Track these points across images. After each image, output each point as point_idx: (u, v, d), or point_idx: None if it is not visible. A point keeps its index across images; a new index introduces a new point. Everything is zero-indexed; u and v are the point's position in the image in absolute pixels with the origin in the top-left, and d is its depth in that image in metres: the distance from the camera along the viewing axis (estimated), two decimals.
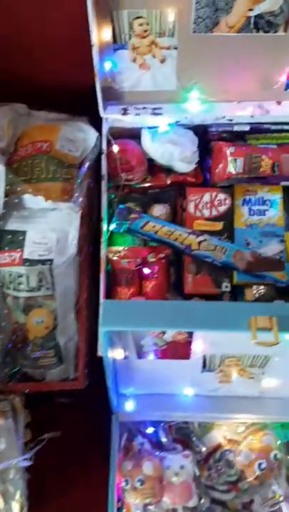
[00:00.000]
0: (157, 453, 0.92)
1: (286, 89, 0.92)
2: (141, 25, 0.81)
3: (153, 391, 0.91)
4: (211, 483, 0.92)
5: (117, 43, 0.84)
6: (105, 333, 0.67)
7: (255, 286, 0.92)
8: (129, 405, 0.92)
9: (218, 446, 0.93)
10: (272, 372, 0.84)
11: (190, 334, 0.74)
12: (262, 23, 0.81)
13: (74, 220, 0.89)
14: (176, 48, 0.85)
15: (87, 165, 0.91)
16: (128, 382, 0.89)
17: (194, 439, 0.94)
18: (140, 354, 0.80)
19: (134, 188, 1.00)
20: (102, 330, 0.67)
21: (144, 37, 0.83)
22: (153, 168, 1.00)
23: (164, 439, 0.93)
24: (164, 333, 0.74)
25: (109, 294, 0.90)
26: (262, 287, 0.92)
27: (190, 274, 0.93)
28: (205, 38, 0.83)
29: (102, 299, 0.85)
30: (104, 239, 0.90)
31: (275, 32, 0.82)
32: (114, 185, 0.99)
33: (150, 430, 0.94)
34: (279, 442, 0.91)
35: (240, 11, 0.79)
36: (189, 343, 0.76)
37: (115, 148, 0.95)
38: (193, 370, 0.84)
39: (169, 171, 1.00)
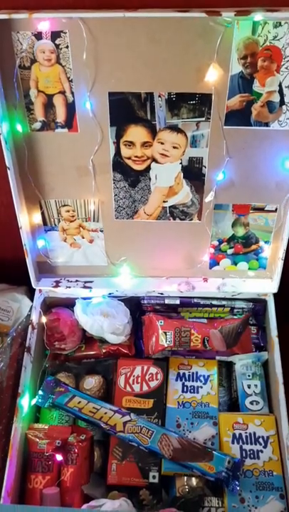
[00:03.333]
0: None
1: (210, 268, 0.97)
2: (68, 211, 0.89)
3: None
4: None
5: (47, 225, 0.91)
6: None
7: (186, 478, 0.84)
8: None
9: None
10: None
11: None
12: (177, 213, 0.88)
13: None
14: (102, 231, 0.92)
15: (13, 334, 0.91)
16: None
17: None
18: None
19: (69, 357, 0.99)
20: None
21: (72, 221, 0.90)
22: (88, 337, 1.01)
23: None
24: None
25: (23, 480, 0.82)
26: (193, 480, 0.84)
27: (115, 460, 0.86)
28: (127, 222, 0.90)
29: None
30: (20, 417, 0.85)
31: (191, 220, 0.89)
32: (51, 353, 0.99)
33: None
34: None
35: (155, 203, 0.87)
36: None
37: (46, 318, 0.96)
38: None
39: (103, 341, 1.00)
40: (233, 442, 0.86)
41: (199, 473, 0.82)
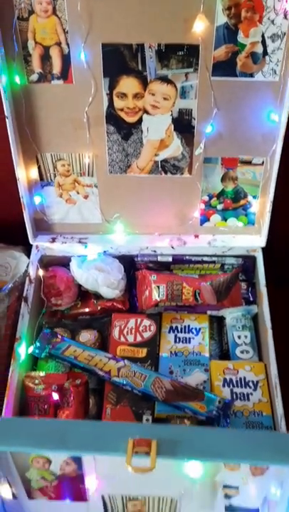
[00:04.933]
0: None
1: (201, 225, 1.00)
2: (63, 165, 0.93)
3: None
4: None
5: (43, 180, 0.95)
6: None
7: (178, 421, 0.86)
8: None
9: None
10: None
11: (79, 466, 0.67)
12: (168, 167, 0.92)
13: None
14: (96, 186, 0.95)
15: (10, 286, 0.94)
16: None
17: None
18: (29, 492, 0.72)
19: (66, 314, 1.02)
20: None
21: (67, 176, 0.94)
22: (84, 294, 1.04)
23: None
24: (49, 462, 0.67)
25: None
26: (185, 421, 0.86)
27: (109, 405, 0.88)
28: (121, 177, 0.93)
29: None
30: (17, 364, 0.87)
31: (182, 174, 0.93)
32: (47, 311, 1.01)
33: None
34: None
35: (147, 157, 0.91)
36: (81, 477, 0.69)
37: (43, 275, 1.00)
38: None
39: (98, 297, 1.03)
40: (224, 386, 0.89)
41: (191, 414, 0.85)
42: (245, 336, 0.97)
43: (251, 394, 0.88)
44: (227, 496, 0.67)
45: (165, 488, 0.67)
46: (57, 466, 0.66)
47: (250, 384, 0.89)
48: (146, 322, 0.98)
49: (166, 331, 0.98)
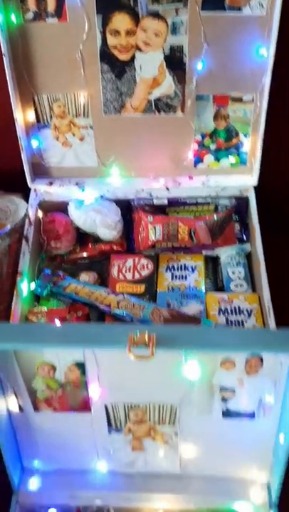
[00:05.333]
0: None
1: (195, 166, 1.03)
2: (59, 107, 0.95)
3: (61, 465, 0.82)
4: None
5: (40, 122, 0.97)
6: None
7: None
8: (34, 483, 0.82)
9: None
10: (186, 434, 0.77)
11: (82, 372, 0.70)
12: (161, 105, 0.95)
13: None
14: (92, 128, 0.98)
15: (8, 226, 0.97)
16: (31, 450, 0.81)
17: None
18: (35, 404, 0.75)
19: (65, 259, 1.05)
20: None
21: (63, 117, 0.97)
22: (82, 239, 1.06)
23: None
24: (54, 369, 0.70)
25: None
26: None
27: None
28: (116, 118, 0.96)
29: None
30: (20, 299, 0.90)
31: (174, 113, 0.96)
32: (47, 256, 1.04)
33: None
34: None
35: (140, 95, 0.93)
36: (85, 385, 0.72)
37: (42, 220, 1.02)
38: (100, 430, 0.78)
39: (96, 240, 1.06)
40: (219, 314, 0.92)
41: None
42: (239, 272, 1.00)
43: (245, 321, 0.91)
44: (224, 400, 0.70)
45: (165, 394, 0.70)
46: (61, 373, 0.69)
47: (245, 312, 0.92)
48: (144, 261, 1.02)
49: (163, 270, 1.01)
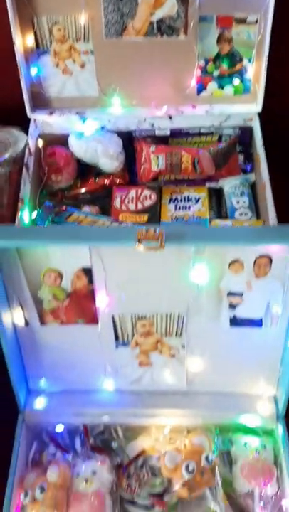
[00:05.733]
0: (69, 460, 0.78)
1: (198, 94, 1.01)
2: (59, 30, 0.93)
3: (68, 386, 0.82)
4: (131, 497, 0.76)
5: (40, 48, 0.95)
6: None
7: None
8: (40, 402, 0.82)
9: (142, 453, 0.80)
10: (193, 346, 0.77)
11: (90, 279, 0.70)
12: (164, 27, 0.92)
13: None
14: (92, 53, 0.95)
15: (7, 155, 0.95)
16: (37, 370, 0.80)
17: (115, 446, 0.81)
18: (42, 316, 0.74)
19: (66, 195, 1.03)
20: None
21: (63, 42, 0.94)
22: (84, 173, 1.05)
23: (78, 447, 0.80)
24: (60, 276, 0.69)
25: None
26: None
27: None
28: (117, 42, 0.94)
29: None
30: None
31: (177, 36, 0.93)
32: (48, 191, 1.03)
33: (61, 433, 0.81)
34: (214, 446, 0.79)
35: (143, 16, 0.91)
36: (92, 294, 0.71)
37: (42, 151, 1.00)
38: (107, 344, 0.77)
39: (97, 174, 1.05)
40: None
41: None
42: (244, 201, 0.99)
43: None
44: (232, 306, 0.70)
45: (173, 302, 0.70)
46: (68, 281, 0.69)
47: None
48: (147, 192, 1.00)
49: (166, 202, 1.00)
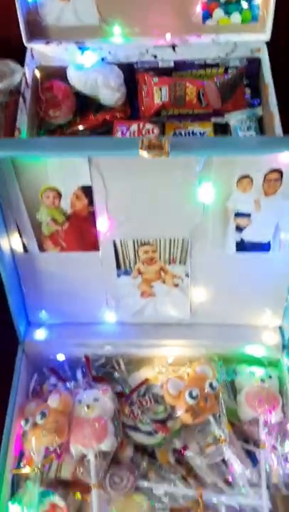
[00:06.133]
0: (71, 388, 0.77)
1: (203, 22, 0.96)
2: None
3: (68, 319, 0.80)
4: (134, 423, 0.75)
5: None
6: None
7: None
8: (40, 334, 0.80)
9: (145, 381, 0.79)
10: (197, 274, 0.74)
11: (90, 201, 0.67)
12: None
13: None
14: None
15: (2, 85, 0.91)
16: (37, 301, 0.78)
17: (118, 376, 0.80)
18: (41, 242, 0.71)
19: (65, 131, 0.99)
20: None
21: None
22: (83, 109, 1.00)
23: (80, 377, 0.78)
24: (59, 196, 0.66)
25: None
26: None
27: None
28: None
29: None
30: None
31: None
32: (46, 129, 0.99)
33: (62, 364, 0.79)
34: (218, 375, 0.77)
35: None
36: (93, 217, 0.68)
37: (40, 88, 0.96)
38: (109, 273, 0.75)
39: (97, 110, 1.01)
40: None
41: None
42: (251, 135, 0.95)
43: None
44: (238, 229, 0.67)
45: (177, 225, 0.67)
46: (67, 202, 0.65)
47: None
48: (149, 126, 0.96)
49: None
